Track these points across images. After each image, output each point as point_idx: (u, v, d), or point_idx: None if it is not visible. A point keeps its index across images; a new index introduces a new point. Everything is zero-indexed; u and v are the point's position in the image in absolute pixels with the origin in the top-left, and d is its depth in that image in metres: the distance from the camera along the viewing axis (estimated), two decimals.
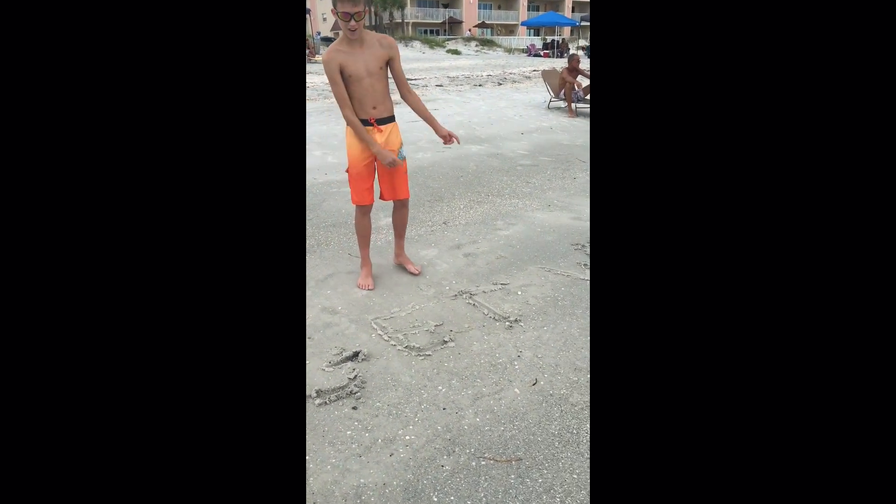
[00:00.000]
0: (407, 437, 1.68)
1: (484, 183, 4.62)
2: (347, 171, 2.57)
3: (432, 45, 30.98)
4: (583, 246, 3.22)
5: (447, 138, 2.58)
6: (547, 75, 8.73)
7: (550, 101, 8.62)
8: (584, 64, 8.54)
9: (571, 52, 9.99)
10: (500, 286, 2.71)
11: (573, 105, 8.05)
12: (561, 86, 8.10)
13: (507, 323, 2.35)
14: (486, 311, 2.46)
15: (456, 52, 29.27)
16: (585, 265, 2.95)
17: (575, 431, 1.70)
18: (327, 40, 28.06)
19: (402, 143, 2.57)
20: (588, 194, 4.30)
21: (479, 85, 10.77)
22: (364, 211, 2.64)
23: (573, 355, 2.11)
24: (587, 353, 2.12)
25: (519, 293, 2.63)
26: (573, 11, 42.89)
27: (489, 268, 2.93)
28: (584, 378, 1.97)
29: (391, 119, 2.51)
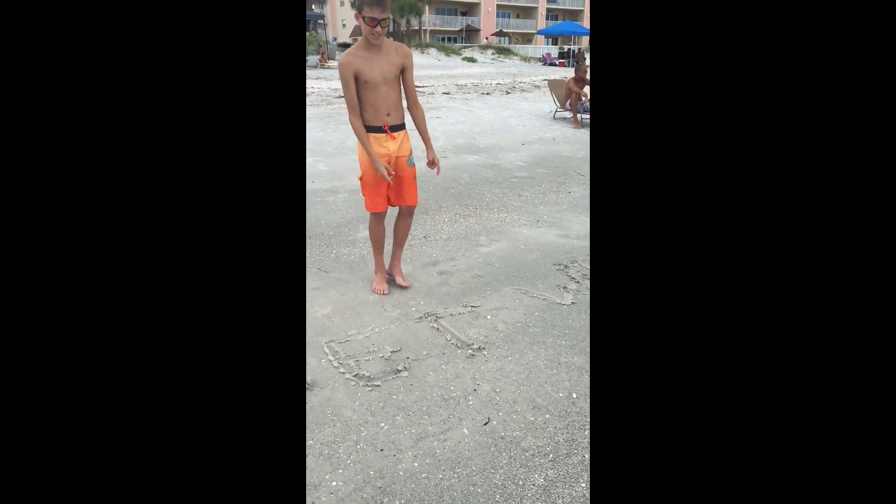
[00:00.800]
0: (333, 483, 1.52)
1: (474, 195, 4.46)
2: (360, 178, 2.57)
3: (448, 52, 30.96)
4: (565, 266, 3.04)
5: (432, 164, 2.60)
6: (553, 85, 8.56)
7: (556, 111, 8.44)
8: None
9: (581, 61, 9.78)
10: (469, 309, 2.54)
11: (579, 116, 7.87)
12: (567, 96, 7.93)
13: (470, 351, 2.18)
14: (449, 337, 2.29)
15: (472, 60, 29.22)
16: (565, 288, 2.77)
17: (521, 483, 1.52)
18: (345, 45, 28.19)
19: (411, 151, 2.60)
20: (581, 210, 4.12)
21: (487, 93, 10.64)
22: (379, 218, 2.64)
23: (534, 391, 1.93)
24: (549, 389, 1.94)
25: (489, 317, 2.46)
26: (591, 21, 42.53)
27: (462, 288, 2.76)
28: (542, 418, 1.79)
29: (403, 126, 2.53)
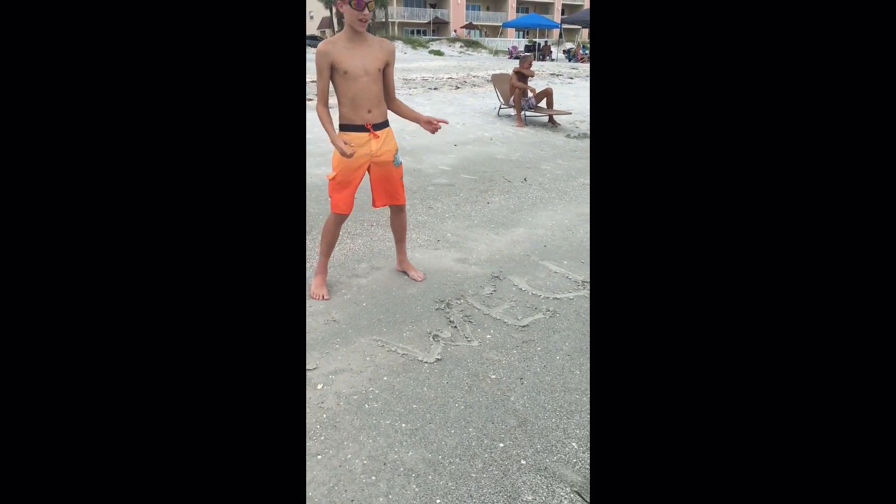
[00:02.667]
0: None
1: (375, 209, 3.88)
2: (331, 177, 2.46)
3: (415, 45, 30.26)
4: (447, 305, 2.49)
5: (429, 122, 2.47)
6: (497, 80, 8.01)
7: (500, 107, 7.90)
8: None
9: (525, 54, 9.26)
10: None
11: (522, 113, 7.34)
12: (511, 91, 7.39)
13: None
14: None
15: (439, 53, 28.60)
16: (435, 337, 2.23)
17: None
18: (314, 38, 27.15)
19: (397, 149, 2.53)
20: (494, 226, 3.58)
21: (434, 88, 10.07)
22: (339, 220, 2.56)
23: None
24: None
25: (319, 387, 1.90)
26: (563, 14, 42.31)
27: (308, 339, 2.19)
28: None
29: (387, 124, 2.46)
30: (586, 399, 1.86)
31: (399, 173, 2.56)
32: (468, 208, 3.94)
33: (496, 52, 30.76)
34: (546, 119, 7.53)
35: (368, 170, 2.46)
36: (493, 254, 3.12)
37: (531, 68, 7.37)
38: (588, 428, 1.73)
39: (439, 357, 2.08)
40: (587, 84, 12.44)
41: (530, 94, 7.41)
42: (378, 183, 2.52)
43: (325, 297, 2.55)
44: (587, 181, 4.77)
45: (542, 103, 7.52)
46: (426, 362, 2.05)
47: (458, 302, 2.53)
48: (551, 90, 7.47)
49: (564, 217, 3.78)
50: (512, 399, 1.86)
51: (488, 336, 2.25)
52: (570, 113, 7.58)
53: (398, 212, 2.67)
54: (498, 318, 2.40)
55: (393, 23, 38.66)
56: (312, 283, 2.60)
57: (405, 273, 2.81)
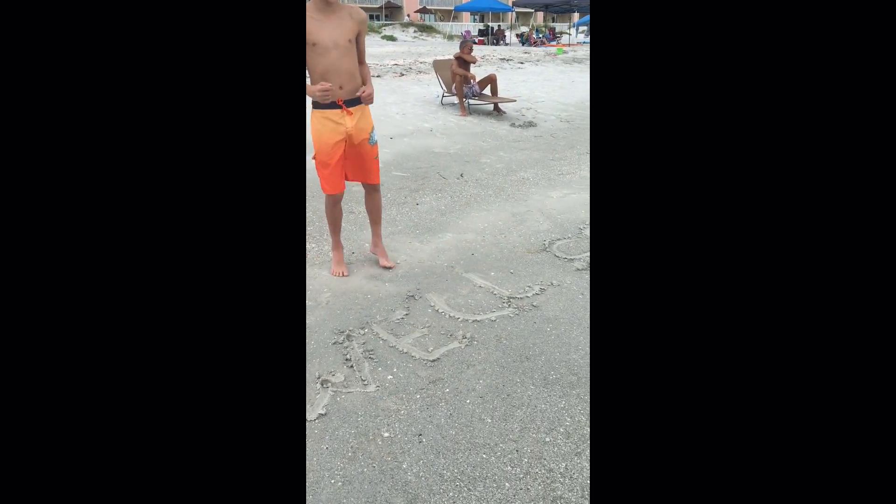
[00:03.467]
0: None
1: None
2: (314, 157, 2.40)
3: (367, 30, 29.39)
4: (348, 338, 2.12)
5: (364, 91, 2.34)
6: (438, 66, 7.61)
7: (443, 96, 7.51)
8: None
9: (465, 39, 8.88)
10: None
11: (465, 102, 6.97)
12: (453, 79, 7.00)
13: None
14: None
15: (391, 39, 27.82)
16: (325, 382, 1.86)
17: None
18: None
19: (373, 127, 2.46)
20: (419, 232, 3.23)
21: (377, 76, 9.59)
22: (335, 200, 2.52)
23: None
24: None
25: None
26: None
27: None
28: None
29: (360, 101, 2.34)
30: (494, 459, 1.54)
31: (374, 152, 2.48)
32: (394, 211, 3.56)
33: (450, 37, 30.22)
34: (492, 107, 7.19)
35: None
36: (413, 266, 2.76)
37: (472, 53, 7.00)
38: (494, 497, 1.40)
39: (323, 412, 1.72)
40: (538, 69, 12.15)
41: (473, 82, 7.04)
42: (350, 159, 2.43)
43: (345, 274, 2.60)
44: (527, 174, 4.46)
45: (487, 90, 7.16)
46: (305, 420, 1.69)
47: (362, 332, 2.16)
48: (495, 76, 7.12)
49: (498, 218, 3.45)
50: (405, 467, 1.51)
51: (389, 377, 1.90)
52: (515, 100, 7.25)
53: (372, 192, 2.60)
54: (405, 350, 2.05)
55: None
56: (332, 264, 2.66)
57: (376, 258, 2.75)
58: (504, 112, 7.12)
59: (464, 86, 6.92)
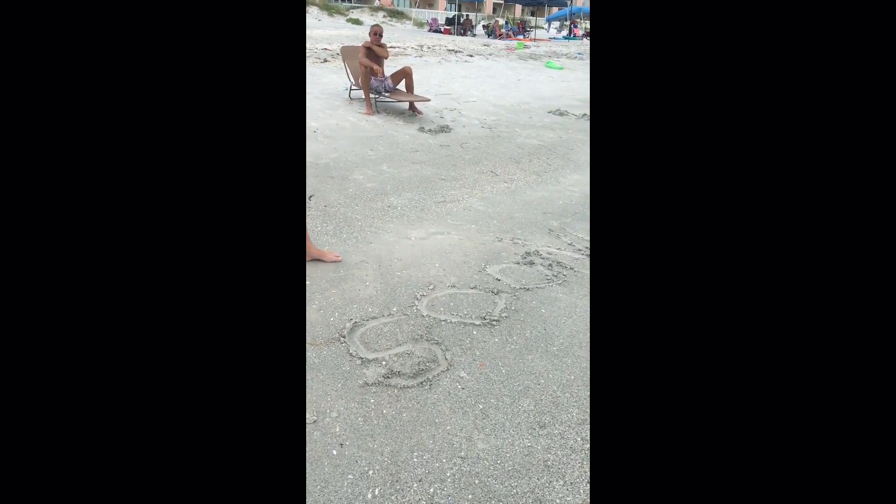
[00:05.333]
0: None
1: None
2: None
3: (332, 12, 28.00)
4: None
5: None
6: (346, 53, 6.53)
7: (351, 89, 6.44)
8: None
9: (374, 23, 7.80)
10: None
11: (371, 98, 5.93)
12: (362, 70, 5.94)
13: None
14: None
15: (357, 22, 26.54)
16: None
17: None
18: None
19: None
20: None
21: None
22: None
23: None
24: None
25: None
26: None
27: None
28: None
29: None
30: None
31: None
32: None
33: (421, 24, 29.03)
34: (407, 105, 6.16)
35: None
36: None
37: (382, 39, 5.94)
38: None
39: None
40: (487, 64, 11.14)
41: (380, 75, 5.98)
42: None
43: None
44: (397, 201, 3.46)
45: (402, 85, 6.12)
46: None
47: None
48: (410, 70, 6.08)
49: (310, 275, 2.45)
50: None
51: None
52: (430, 100, 6.24)
53: None
54: None
55: None
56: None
57: None
58: (420, 112, 6.10)
59: (372, 79, 5.87)
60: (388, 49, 6.12)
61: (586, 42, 21.51)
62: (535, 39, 21.21)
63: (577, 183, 4.15)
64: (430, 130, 5.42)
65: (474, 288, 2.44)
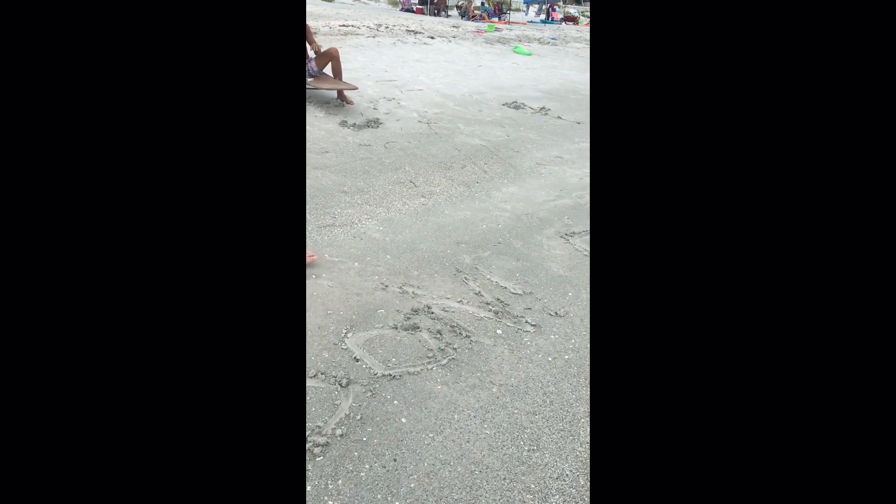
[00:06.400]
0: None
1: None
2: None
3: None
4: None
5: None
6: None
7: None
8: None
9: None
10: None
11: None
12: None
13: None
14: None
15: (329, 0, 25.42)
16: None
17: None
18: None
19: None
20: None
21: None
22: None
23: None
24: None
25: None
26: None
27: None
28: None
29: None
30: None
31: None
32: None
33: (395, 3, 27.98)
34: (336, 94, 5.33)
35: None
36: None
37: (308, 26, 5.07)
38: None
39: None
40: (449, 47, 10.27)
41: (309, 55, 5.13)
42: None
43: None
44: None
45: (328, 69, 5.28)
46: None
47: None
48: (336, 52, 5.22)
49: None
50: None
51: None
52: (356, 88, 5.40)
53: None
54: None
55: None
56: None
57: None
58: (351, 102, 5.27)
59: None
60: (339, 27, 5.24)
61: (563, 27, 20.70)
62: (509, 22, 20.31)
63: (510, 198, 3.41)
64: (353, 125, 4.61)
65: (315, 376, 1.69)
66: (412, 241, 2.68)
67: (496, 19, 21.00)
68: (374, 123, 4.73)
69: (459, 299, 2.21)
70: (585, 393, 1.76)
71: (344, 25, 10.38)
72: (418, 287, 2.27)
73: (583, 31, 19.10)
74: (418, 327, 1.99)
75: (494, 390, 1.73)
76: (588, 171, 4.11)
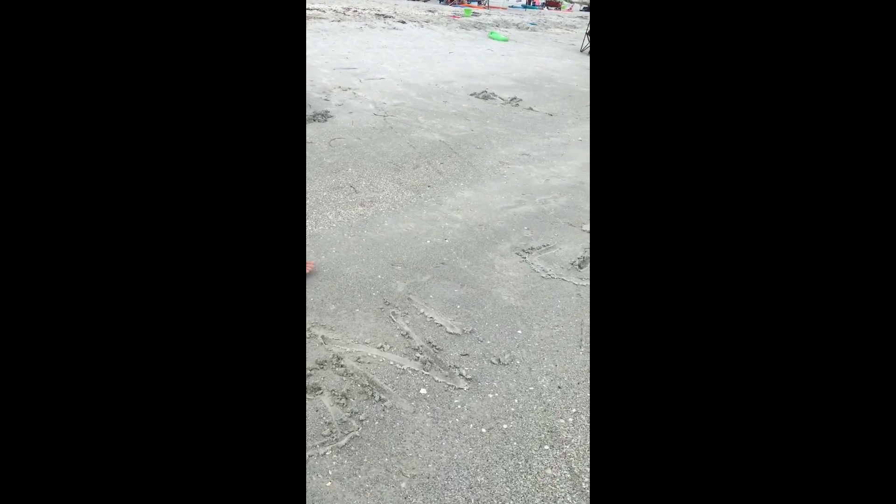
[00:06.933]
0: None
1: None
2: None
3: None
4: None
5: None
6: None
7: None
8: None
9: None
10: None
11: None
12: None
13: None
14: None
15: None
16: None
17: None
18: None
19: None
20: None
21: None
22: None
23: None
24: None
25: None
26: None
27: None
28: None
29: None
30: None
31: None
32: None
33: None
34: None
35: None
36: None
37: None
38: None
39: None
40: (420, 32, 9.74)
41: None
42: None
43: None
44: None
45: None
46: None
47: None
48: None
49: None
50: None
51: None
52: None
53: None
54: None
55: None
56: None
57: None
58: None
59: None
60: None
61: (545, 11, 20.17)
62: (489, 7, 19.72)
63: (464, 205, 2.98)
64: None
65: None
66: (337, 264, 2.25)
67: (475, 3, 20.38)
68: (321, 117, 4.26)
69: (381, 344, 1.79)
70: (524, 484, 1.35)
71: (308, 9, 9.79)
72: (331, 328, 1.84)
73: (563, 16, 18.60)
74: (319, 389, 1.57)
75: (403, 485, 1.32)
76: (555, 171, 3.69)
